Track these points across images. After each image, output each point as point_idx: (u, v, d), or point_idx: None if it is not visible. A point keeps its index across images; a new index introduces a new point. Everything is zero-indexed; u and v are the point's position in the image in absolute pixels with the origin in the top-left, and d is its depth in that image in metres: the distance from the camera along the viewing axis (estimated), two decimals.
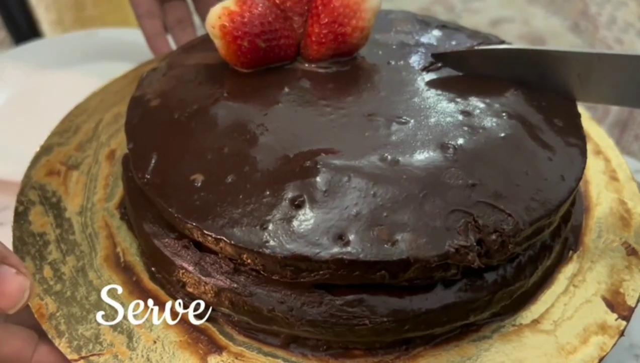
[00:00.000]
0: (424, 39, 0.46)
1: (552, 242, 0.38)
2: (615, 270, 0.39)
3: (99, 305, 0.36)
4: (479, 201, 0.33)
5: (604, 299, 0.37)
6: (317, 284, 0.33)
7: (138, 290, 0.37)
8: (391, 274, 0.32)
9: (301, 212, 0.33)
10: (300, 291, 0.33)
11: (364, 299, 0.33)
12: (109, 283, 0.37)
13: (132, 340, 0.35)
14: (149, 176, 0.36)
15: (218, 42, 0.41)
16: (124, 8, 0.93)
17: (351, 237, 0.32)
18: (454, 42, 0.46)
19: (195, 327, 0.36)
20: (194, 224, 0.33)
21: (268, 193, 0.33)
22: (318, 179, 0.33)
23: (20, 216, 0.41)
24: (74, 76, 0.70)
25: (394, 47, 0.45)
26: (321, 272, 0.32)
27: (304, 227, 0.32)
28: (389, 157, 0.35)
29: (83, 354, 0.34)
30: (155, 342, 0.35)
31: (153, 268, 0.38)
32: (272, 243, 0.32)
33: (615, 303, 0.37)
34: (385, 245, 0.31)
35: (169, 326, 0.36)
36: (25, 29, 0.89)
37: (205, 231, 0.33)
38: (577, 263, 0.40)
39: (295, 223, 0.32)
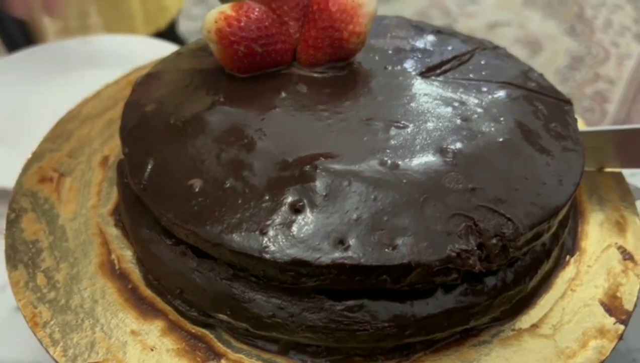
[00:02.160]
0: (420, 44, 0.46)
1: (551, 247, 0.38)
2: (612, 274, 0.39)
3: (94, 313, 0.36)
4: (479, 206, 0.33)
5: (602, 303, 0.38)
6: (318, 289, 0.33)
7: (134, 298, 0.37)
8: (393, 279, 0.31)
9: (301, 217, 0.32)
10: (300, 296, 0.33)
11: (365, 304, 0.33)
12: (104, 291, 0.37)
13: (128, 349, 0.34)
14: (145, 182, 0.36)
15: (214, 47, 0.40)
16: (128, 16, 0.93)
17: (352, 242, 0.31)
18: (449, 47, 0.46)
19: (192, 334, 0.35)
20: (192, 230, 0.33)
21: (267, 197, 0.33)
22: (318, 183, 0.33)
23: (12, 224, 0.41)
24: (67, 82, 0.70)
25: (390, 52, 0.45)
26: (322, 277, 0.31)
27: (304, 232, 0.32)
28: (389, 161, 0.34)
29: None
30: (152, 350, 0.34)
31: (149, 275, 0.37)
32: (272, 248, 0.31)
33: (613, 307, 0.37)
34: (386, 250, 0.31)
35: (165, 333, 0.35)
36: (18, 38, 0.89)
37: (204, 237, 0.32)
38: (575, 268, 0.40)
39: (295, 227, 0.32)
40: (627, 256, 0.41)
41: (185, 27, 1.11)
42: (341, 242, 0.31)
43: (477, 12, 1.81)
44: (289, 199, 0.33)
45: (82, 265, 0.38)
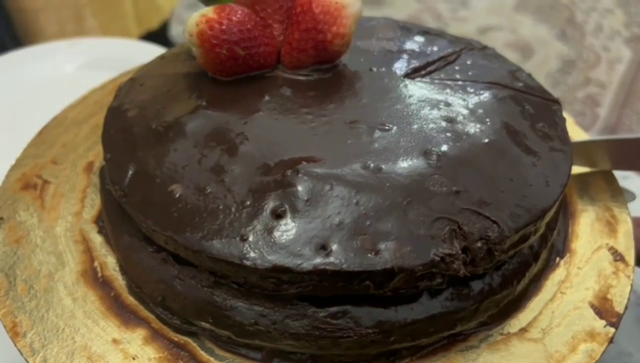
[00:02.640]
0: (406, 45, 0.45)
1: (539, 249, 0.37)
2: (602, 276, 0.39)
3: (75, 321, 0.35)
4: (464, 209, 0.33)
5: (592, 306, 0.37)
6: (300, 296, 0.32)
7: (116, 306, 0.36)
8: (376, 284, 0.31)
9: (282, 222, 0.32)
10: (282, 304, 0.32)
11: (348, 311, 0.32)
12: (85, 299, 0.36)
13: (110, 358, 0.33)
14: (125, 188, 0.35)
15: (196, 51, 0.40)
16: (122, 17, 0.92)
17: (334, 247, 0.31)
18: (435, 48, 0.46)
19: (175, 343, 0.34)
20: (172, 236, 0.32)
21: (248, 203, 0.33)
22: (299, 188, 0.33)
23: None
24: (54, 86, 0.69)
25: (376, 53, 0.44)
26: (303, 284, 0.31)
27: (286, 238, 0.31)
28: (372, 165, 0.34)
29: None
30: (134, 359, 0.34)
31: (132, 283, 0.37)
32: (252, 254, 0.31)
33: (603, 309, 0.37)
34: (369, 255, 0.31)
35: (147, 342, 0.34)
36: (5, 41, 0.88)
37: (183, 244, 0.32)
38: (565, 270, 0.39)
39: (276, 233, 0.31)
40: (618, 257, 0.40)
41: (176, 31, 1.11)
42: (323, 247, 0.31)
43: (469, 17, 1.83)
44: (270, 204, 0.32)
45: (64, 272, 0.38)
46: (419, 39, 0.47)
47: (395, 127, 0.37)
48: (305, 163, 0.34)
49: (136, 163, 0.36)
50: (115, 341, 0.34)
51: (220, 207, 0.33)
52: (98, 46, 0.75)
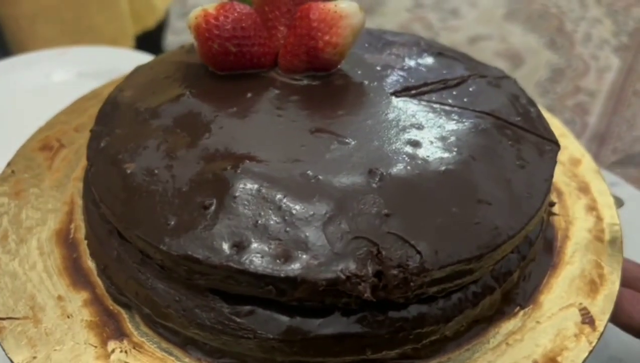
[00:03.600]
0: (412, 63, 0.44)
1: (483, 292, 0.35)
2: (561, 336, 0.36)
3: (31, 273, 0.38)
4: (389, 232, 0.32)
5: None
6: (213, 289, 0.33)
7: (73, 267, 0.39)
8: (278, 291, 0.31)
9: (207, 214, 0.33)
10: (195, 293, 0.33)
11: (255, 312, 0.32)
12: (50, 255, 0.39)
13: (48, 311, 0.36)
14: (92, 158, 0.38)
15: (195, 43, 0.42)
16: (118, 17, 0.93)
17: (247, 247, 0.31)
18: (444, 71, 0.44)
19: (109, 311, 0.36)
20: (109, 209, 0.34)
21: (184, 190, 0.34)
22: (232, 184, 0.33)
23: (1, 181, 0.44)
24: (43, 95, 0.68)
25: (378, 68, 0.44)
26: (211, 277, 0.32)
27: (206, 231, 0.32)
28: (311, 173, 0.34)
29: None
30: (68, 317, 0.36)
31: (89, 246, 0.39)
32: (168, 240, 0.32)
33: None
34: (278, 261, 0.31)
35: (86, 305, 0.37)
36: None
37: (117, 220, 0.34)
38: (521, 321, 0.37)
39: (198, 225, 0.32)
40: (587, 319, 0.37)
41: (168, 41, 1.13)
42: (237, 246, 0.31)
43: (459, 26, 1.82)
44: (202, 195, 0.33)
45: (43, 228, 0.41)
46: (430, 59, 0.45)
47: (354, 142, 0.36)
48: (248, 161, 0.34)
49: (110, 137, 0.39)
50: (59, 297, 0.37)
51: (159, 190, 0.34)
52: (88, 55, 0.74)
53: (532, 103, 0.43)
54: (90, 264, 0.39)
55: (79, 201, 0.43)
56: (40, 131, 0.50)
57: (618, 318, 0.39)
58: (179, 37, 1.41)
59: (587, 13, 1.88)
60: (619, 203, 0.44)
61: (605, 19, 1.85)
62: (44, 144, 0.48)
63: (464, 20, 1.85)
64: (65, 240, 0.41)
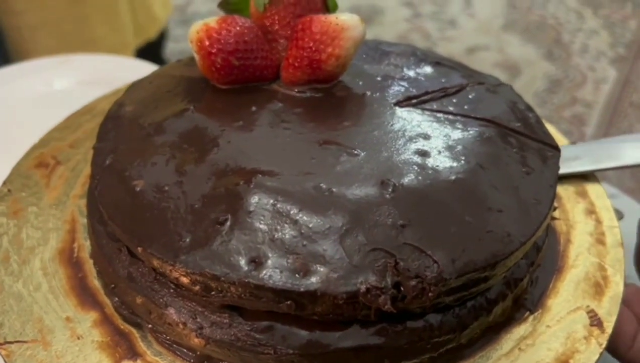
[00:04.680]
0: (411, 73, 0.45)
1: (496, 299, 0.35)
2: (571, 339, 0.36)
3: (37, 295, 0.37)
4: (406, 243, 0.32)
5: None
6: (230, 306, 0.33)
7: (79, 287, 0.38)
8: (298, 305, 0.31)
9: (223, 230, 0.32)
10: (212, 309, 0.33)
11: (274, 327, 0.32)
12: (54, 276, 0.39)
13: (57, 333, 0.35)
14: (98, 176, 0.37)
15: (196, 57, 0.41)
16: (120, 29, 0.93)
17: (265, 262, 0.31)
18: (443, 79, 0.45)
19: (119, 330, 0.36)
20: (120, 227, 0.34)
21: (196, 206, 0.34)
22: (246, 199, 0.33)
23: None
24: (44, 103, 0.68)
25: (378, 78, 0.44)
26: (229, 294, 0.31)
27: (222, 246, 0.32)
28: (324, 186, 0.34)
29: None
30: (79, 338, 0.35)
31: (96, 267, 0.39)
32: (185, 258, 0.32)
33: None
34: (297, 275, 0.31)
35: (96, 325, 0.36)
36: None
37: (128, 237, 0.33)
38: (531, 326, 0.37)
39: (213, 241, 0.32)
40: (595, 321, 0.37)
41: (168, 49, 1.13)
42: (254, 261, 0.31)
43: (457, 37, 1.85)
44: (216, 211, 0.33)
45: (45, 248, 0.40)
46: (428, 68, 0.46)
47: (363, 153, 0.36)
48: (260, 175, 0.34)
49: (115, 154, 0.38)
50: (68, 319, 0.36)
51: (171, 207, 0.34)
52: (89, 63, 0.74)
53: (530, 109, 0.44)
54: (96, 283, 0.39)
55: (81, 220, 0.43)
56: (34, 148, 0.49)
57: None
58: (178, 44, 1.40)
59: (584, 25, 1.90)
60: (618, 215, 0.44)
61: (602, 31, 1.88)
62: (40, 161, 0.47)
63: (462, 31, 1.87)
64: (69, 259, 0.40)
